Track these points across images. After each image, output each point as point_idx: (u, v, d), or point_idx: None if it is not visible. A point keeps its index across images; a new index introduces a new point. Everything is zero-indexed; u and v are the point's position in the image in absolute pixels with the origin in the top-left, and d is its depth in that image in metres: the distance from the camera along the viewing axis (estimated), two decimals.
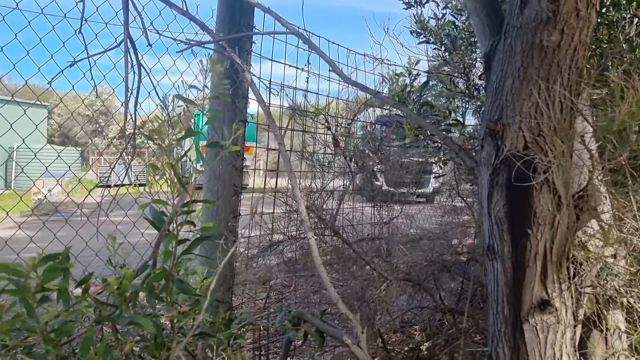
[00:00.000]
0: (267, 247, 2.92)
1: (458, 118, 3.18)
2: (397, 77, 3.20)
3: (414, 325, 3.71)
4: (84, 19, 2.19)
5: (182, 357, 1.66)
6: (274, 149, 3.05)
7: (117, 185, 3.16)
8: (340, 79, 2.79)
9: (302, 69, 3.67)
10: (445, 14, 3.24)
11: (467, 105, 3.30)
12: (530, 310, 1.75)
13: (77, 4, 2.21)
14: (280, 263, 3.14)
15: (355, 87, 2.37)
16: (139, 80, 2.57)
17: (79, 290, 1.60)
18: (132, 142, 2.48)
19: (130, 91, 2.42)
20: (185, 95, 1.55)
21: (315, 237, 2.45)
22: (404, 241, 3.00)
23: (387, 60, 4.29)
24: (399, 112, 3.76)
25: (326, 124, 3.12)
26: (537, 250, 1.73)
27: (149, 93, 2.58)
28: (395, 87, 3.00)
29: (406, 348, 3.28)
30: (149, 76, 2.65)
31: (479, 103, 3.21)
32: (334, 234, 2.70)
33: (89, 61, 2.25)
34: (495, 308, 1.85)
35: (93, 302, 1.58)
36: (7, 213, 2.88)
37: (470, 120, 3.54)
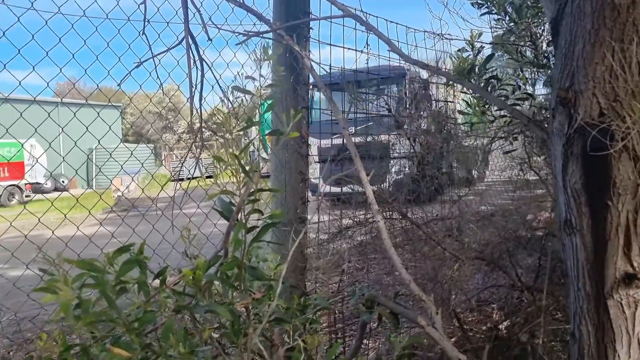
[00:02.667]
0: (337, 232, 2.93)
1: (527, 90, 3.05)
2: (459, 52, 3.11)
3: (490, 304, 3.62)
4: (146, 20, 2.26)
5: (259, 343, 1.69)
6: (336, 134, 3.04)
7: (189, 179, 3.26)
8: (400, 59, 2.74)
9: (362, 51, 3.63)
10: None
11: (537, 76, 3.15)
12: (614, 285, 1.66)
13: (139, 6, 2.28)
14: (351, 247, 3.14)
15: (416, 65, 2.32)
16: (202, 75, 2.63)
17: (157, 282, 1.66)
18: (200, 136, 2.54)
19: (194, 86, 2.48)
20: (244, 87, 1.57)
21: (384, 220, 2.43)
22: (475, 219, 2.92)
23: (447, 35, 4.17)
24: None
25: (387, 106, 3.08)
26: (618, 222, 1.64)
27: (212, 87, 2.64)
28: (459, 63, 2.92)
29: (484, 328, 3.21)
30: (211, 70, 2.71)
31: (549, 72, 3.06)
32: (402, 217, 2.67)
33: (153, 61, 2.32)
34: (576, 284, 1.78)
35: (171, 293, 1.65)
36: (90, 211, 3.04)
37: (541, 91, 3.40)
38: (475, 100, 3.11)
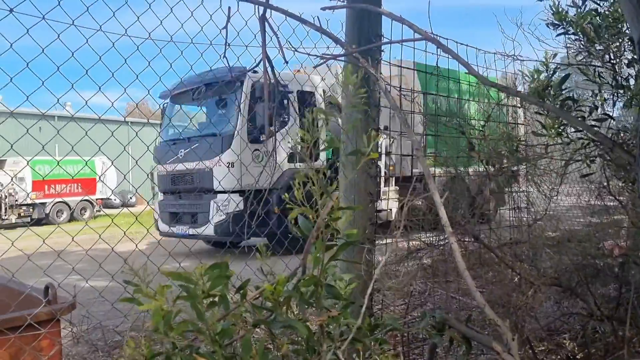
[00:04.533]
0: (406, 255, 2.92)
1: (607, 112, 2.96)
2: (535, 73, 3.06)
3: (561, 334, 3.49)
4: (227, 44, 2.37)
5: None
6: (409, 155, 3.04)
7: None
8: (473, 80, 2.73)
9: (432, 74, 3.63)
10: (586, 1, 3.04)
11: (616, 98, 3.05)
12: None
13: (220, 31, 2.39)
14: (419, 269, 3.12)
15: (493, 88, 2.31)
16: (275, 96, 2.71)
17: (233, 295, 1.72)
18: (274, 155, 2.61)
19: (271, 107, 2.55)
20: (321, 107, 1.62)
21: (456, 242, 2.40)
22: (550, 244, 2.84)
23: (519, 56, 4.11)
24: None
25: (460, 128, 3.06)
26: None
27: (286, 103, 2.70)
28: (534, 84, 2.87)
29: (557, 357, 3.09)
30: (285, 91, 2.78)
31: (630, 93, 2.96)
32: (474, 239, 2.63)
33: (233, 82, 2.41)
34: None
35: (250, 307, 1.70)
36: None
37: (619, 112, 3.28)
38: (550, 122, 3.04)
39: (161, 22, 2.47)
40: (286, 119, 11.13)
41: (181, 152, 10.74)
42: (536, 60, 3.45)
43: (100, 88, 2.86)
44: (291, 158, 10.48)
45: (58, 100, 2.71)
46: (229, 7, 2.41)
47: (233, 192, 10.05)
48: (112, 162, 3.39)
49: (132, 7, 2.63)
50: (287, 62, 2.51)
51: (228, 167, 10.32)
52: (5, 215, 22.09)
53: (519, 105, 3.92)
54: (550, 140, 3.08)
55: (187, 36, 2.55)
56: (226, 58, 2.37)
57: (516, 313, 2.46)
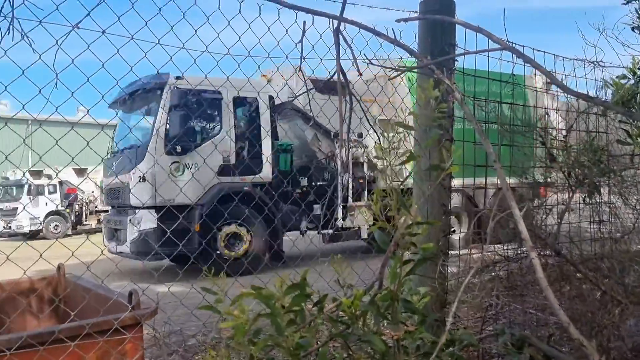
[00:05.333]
0: (481, 268, 2.85)
1: None
2: (618, 79, 2.91)
3: None
4: (302, 57, 2.40)
5: None
6: (482, 165, 2.98)
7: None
8: (554, 89, 2.63)
9: (507, 82, 3.54)
10: None
11: None
12: None
13: (296, 45, 2.43)
14: (495, 283, 3.03)
15: (576, 97, 2.22)
16: (351, 109, 2.73)
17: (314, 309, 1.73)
18: (348, 166, 2.62)
19: (344, 119, 2.57)
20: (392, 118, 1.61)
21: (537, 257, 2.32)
22: (638, 259, 2.69)
23: (601, 62, 3.92)
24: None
25: (539, 138, 2.96)
26: None
27: (360, 119, 2.72)
28: (620, 92, 2.73)
29: None
30: (359, 104, 2.80)
31: None
32: (556, 254, 2.53)
33: (307, 95, 2.45)
34: None
35: (327, 320, 1.71)
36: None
37: None
38: (637, 131, 2.89)
39: (239, 37, 2.55)
40: (217, 128, 10.13)
41: (113, 164, 10.03)
42: (620, 67, 3.29)
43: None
44: (221, 171, 9.57)
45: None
46: (304, 22, 2.45)
47: (150, 207, 9.03)
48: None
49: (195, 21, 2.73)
50: (360, 75, 2.51)
51: (139, 181, 9.30)
52: (87, 220, 23.40)
53: (600, 112, 3.75)
54: (637, 149, 2.92)
55: (261, 49, 2.62)
56: (302, 71, 2.40)
57: (601, 332, 2.34)
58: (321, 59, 2.62)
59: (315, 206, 10.57)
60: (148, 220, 9.05)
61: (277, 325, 1.46)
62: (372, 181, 11.05)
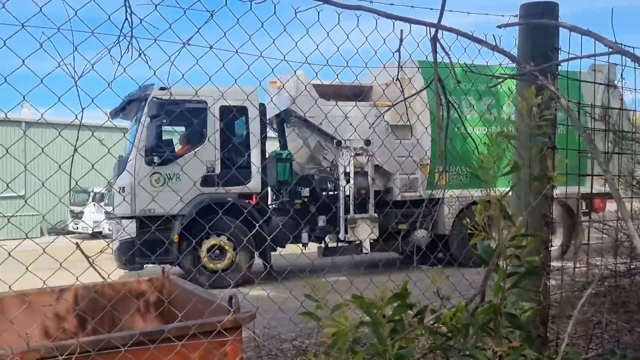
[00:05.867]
0: (587, 282, 2.70)
1: None
2: None
3: None
4: (400, 66, 2.40)
5: None
6: (598, 175, 2.82)
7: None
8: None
9: (615, 86, 3.34)
10: None
11: None
12: None
13: (393, 53, 2.44)
14: (601, 299, 2.86)
15: None
16: (448, 117, 2.69)
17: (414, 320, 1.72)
18: (444, 174, 2.58)
19: (441, 127, 2.54)
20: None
21: None
22: None
23: None
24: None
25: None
26: None
27: (457, 128, 2.67)
28: None
29: None
30: (456, 111, 2.76)
31: None
32: None
33: (405, 103, 2.44)
34: None
35: (427, 331, 1.69)
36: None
37: None
38: None
39: (338, 48, 2.59)
40: (201, 138, 9.89)
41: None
42: None
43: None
44: (205, 182, 9.35)
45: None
46: (401, 30, 2.45)
47: (131, 217, 9.10)
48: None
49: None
50: (459, 82, 2.47)
51: (119, 191, 9.48)
52: None
53: None
54: None
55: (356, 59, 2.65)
56: (399, 81, 2.41)
57: None
58: (418, 68, 2.59)
59: (320, 217, 10.17)
60: (128, 230, 9.16)
61: (379, 335, 1.46)
62: (386, 191, 10.45)
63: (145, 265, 9.49)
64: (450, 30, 2.36)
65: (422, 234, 10.17)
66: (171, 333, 2.16)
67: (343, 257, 10.21)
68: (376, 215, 9.99)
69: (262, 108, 10.06)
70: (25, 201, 8.31)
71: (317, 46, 2.48)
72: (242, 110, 9.65)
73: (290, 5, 2.27)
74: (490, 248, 1.61)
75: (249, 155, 9.68)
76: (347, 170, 9.85)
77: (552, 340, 3.21)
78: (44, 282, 2.62)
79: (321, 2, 2.37)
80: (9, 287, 2.57)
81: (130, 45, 1.85)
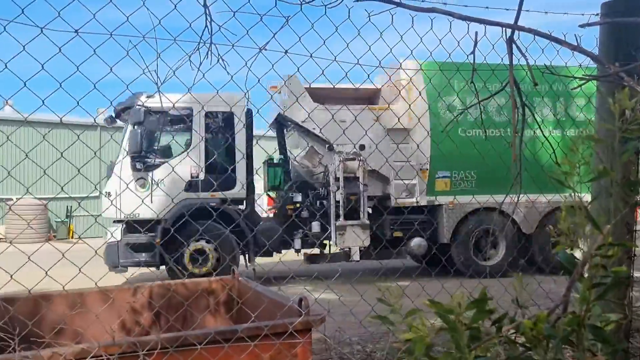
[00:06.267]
0: None
1: None
2: None
3: None
4: (474, 69, 2.36)
5: None
6: None
7: None
8: None
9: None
10: None
11: None
12: None
13: (467, 56, 2.39)
14: None
15: None
16: (523, 121, 2.61)
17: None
18: (519, 181, 2.51)
19: (517, 130, 2.47)
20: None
21: None
22: None
23: None
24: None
25: None
26: None
27: (534, 132, 2.59)
28: None
29: None
30: (532, 115, 2.67)
31: None
32: None
33: (479, 106, 2.39)
34: None
35: (505, 340, 1.64)
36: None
37: None
38: None
39: (412, 51, 2.57)
40: (187, 144, 10.00)
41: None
42: None
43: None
44: (189, 187, 9.49)
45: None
46: (476, 32, 2.40)
47: (120, 221, 9.37)
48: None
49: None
50: (536, 85, 2.39)
51: (105, 196, 9.74)
52: None
53: None
54: None
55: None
56: (473, 83, 2.36)
57: None
58: (493, 70, 2.53)
59: (315, 224, 9.96)
60: (115, 233, 9.40)
61: (457, 343, 1.43)
62: (386, 198, 10.14)
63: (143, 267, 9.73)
64: (529, 30, 2.29)
65: (419, 243, 9.93)
66: (244, 333, 2.21)
67: (394, 260, 10.01)
68: (367, 222, 9.74)
69: (249, 114, 10.13)
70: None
71: (391, 49, 2.47)
72: (229, 117, 9.87)
73: (364, 9, 2.26)
74: (573, 257, 1.55)
75: (234, 161, 9.80)
76: (337, 175, 9.66)
77: (637, 355, 3.06)
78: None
79: (394, 6, 2.35)
80: (95, 284, 2.71)
81: (209, 52, 1.91)
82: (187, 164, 9.28)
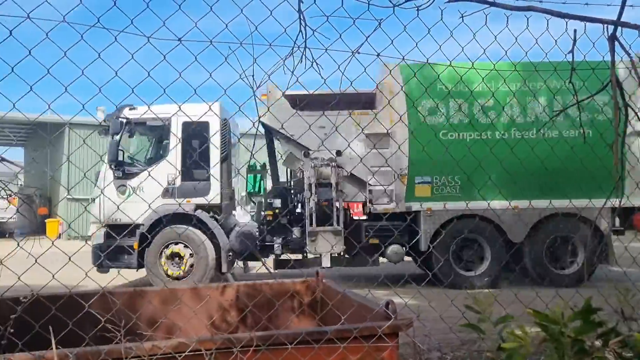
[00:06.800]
0: None
1: None
2: None
3: None
4: (573, 69, 2.26)
5: None
6: None
7: None
8: None
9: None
10: None
11: None
12: None
13: (565, 55, 2.30)
14: None
15: None
16: (626, 121, 2.49)
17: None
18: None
19: (618, 133, 2.35)
20: None
21: None
22: None
23: None
24: None
25: None
26: None
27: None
28: None
29: None
30: (636, 115, 2.54)
31: None
32: None
33: (578, 107, 2.30)
34: None
35: (613, 354, 1.56)
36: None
37: None
38: None
39: (506, 52, 2.50)
40: (164, 152, 10.47)
41: None
42: None
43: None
44: (166, 193, 9.84)
45: None
46: (575, 30, 2.30)
47: (105, 226, 9.78)
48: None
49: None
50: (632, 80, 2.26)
51: (90, 201, 10.31)
52: None
53: None
54: None
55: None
56: (572, 84, 2.26)
57: None
58: (593, 69, 2.42)
59: (295, 229, 10.10)
60: (98, 237, 10.07)
61: (559, 353, 1.38)
62: (369, 202, 9.87)
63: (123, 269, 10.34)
64: (634, 27, 2.17)
65: (396, 250, 9.70)
66: (333, 334, 2.22)
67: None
68: (340, 228, 9.66)
69: (225, 123, 10.60)
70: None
71: (484, 50, 2.41)
72: (204, 126, 10.43)
73: (457, 10, 2.22)
74: None
75: (209, 169, 10.23)
76: (311, 181, 9.70)
77: None
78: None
79: (488, 6, 2.30)
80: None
81: (303, 56, 1.95)
82: (164, 172, 10.08)
